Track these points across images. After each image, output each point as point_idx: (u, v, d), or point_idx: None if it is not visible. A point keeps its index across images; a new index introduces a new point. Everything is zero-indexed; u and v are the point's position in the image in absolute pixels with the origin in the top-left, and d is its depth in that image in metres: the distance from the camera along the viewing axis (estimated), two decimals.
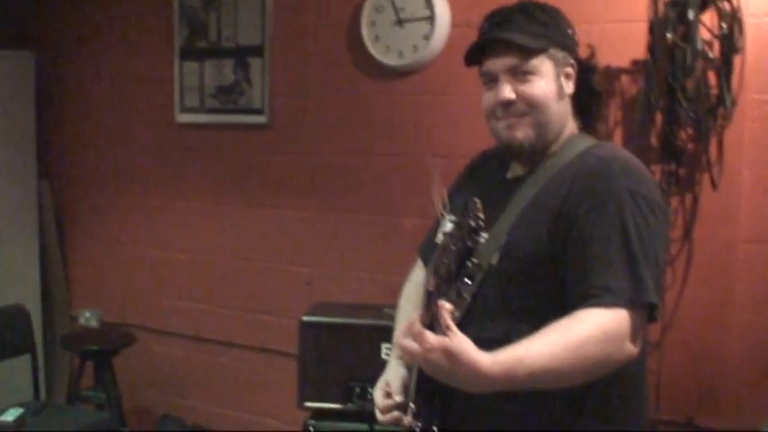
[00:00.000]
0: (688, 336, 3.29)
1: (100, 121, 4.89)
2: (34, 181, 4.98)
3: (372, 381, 2.16)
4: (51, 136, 5.07)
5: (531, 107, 1.96)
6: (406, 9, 3.76)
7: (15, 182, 4.87)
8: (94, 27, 4.84)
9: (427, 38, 3.71)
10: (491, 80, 2.00)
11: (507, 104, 1.97)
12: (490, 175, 2.16)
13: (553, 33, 1.98)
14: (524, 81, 1.95)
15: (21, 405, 3.99)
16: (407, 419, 1.97)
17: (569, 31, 2.03)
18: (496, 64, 1.98)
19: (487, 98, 2.01)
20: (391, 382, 2.09)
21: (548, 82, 1.96)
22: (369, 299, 3.85)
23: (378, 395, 2.10)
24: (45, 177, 5.04)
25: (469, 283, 1.70)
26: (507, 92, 1.96)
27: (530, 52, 1.94)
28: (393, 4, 3.79)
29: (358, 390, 3.40)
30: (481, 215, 1.61)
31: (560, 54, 1.98)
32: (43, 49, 5.00)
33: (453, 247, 1.67)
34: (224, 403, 4.57)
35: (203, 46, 4.41)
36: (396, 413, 2.02)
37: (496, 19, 2.01)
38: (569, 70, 2.01)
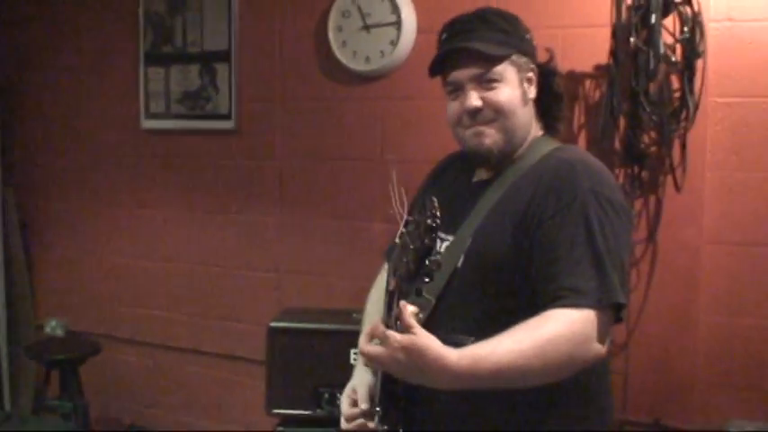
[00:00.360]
0: (653, 337, 3.32)
1: (65, 128, 4.84)
2: None
3: (341, 386, 2.17)
4: (15, 143, 5.02)
5: (497, 113, 1.99)
6: (373, 15, 3.77)
7: None
8: (59, 32, 4.80)
9: (394, 43, 3.72)
10: (456, 89, 2.02)
11: (474, 112, 1.99)
12: (456, 179, 2.18)
13: (514, 40, 2.01)
14: (490, 88, 1.98)
15: None
16: (372, 425, 1.98)
17: (528, 36, 2.06)
18: (462, 74, 2.00)
19: (453, 107, 2.04)
20: (357, 389, 2.09)
21: (512, 88, 1.99)
22: (337, 304, 3.84)
23: (344, 403, 2.10)
24: (9, 185, 4.99)
25: (428, 281, 1.72)
26: (474, 100, 1.99)
27: (493, 60, 1.97)
28: (360, 9, 3.80)
29: (327, 395, 3.40)
30: (438, 213, 1.62)
31: (522, 60, 2.01)
32: (6, 54, 4.96)
33: (411, 247, 1.67)
34: (192, 412, 4.55)
35: (169, 51, 4.39)
36: (360, 421, 2.03)
37: (457, 28, 2.04)
38: (531, 75, 2.04)
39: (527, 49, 2.04)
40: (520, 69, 2.01)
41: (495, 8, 2.12)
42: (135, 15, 4.46)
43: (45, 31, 4.85)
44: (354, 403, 2.06)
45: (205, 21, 4.26)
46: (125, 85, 4.56)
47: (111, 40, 4.62)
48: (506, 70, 1.99)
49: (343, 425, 2.06)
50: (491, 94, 1.98)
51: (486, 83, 1.98)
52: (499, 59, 1.97)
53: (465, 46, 1.98)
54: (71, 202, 4.87)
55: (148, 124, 4.52)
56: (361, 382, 2.11)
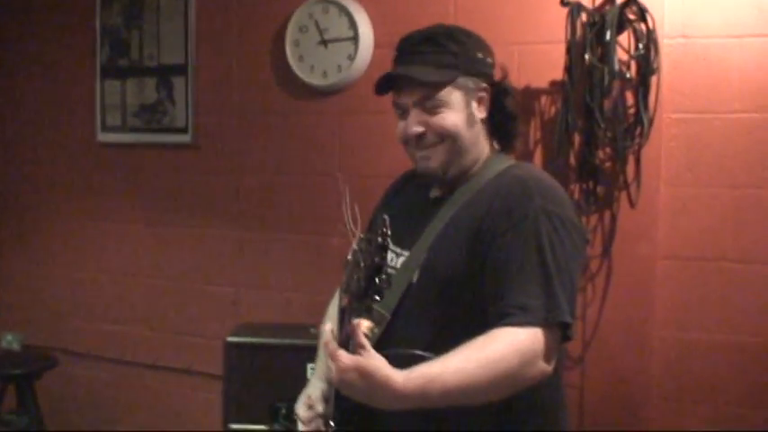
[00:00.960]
0: (609, 351, 3.34)
1: (20, 140, 4.80)
2: None
3: (298, 401, 2.17)
4: None
5: (441, 138, 2.00)
6: (330, 30, 3.78)
7: None
8: (14, 44, 4.77)
9: (351, 58, 3.73)
10: (403, 111, 2.03)
11: (418, 137, 2.00)
12: (414, 195, 2.19)
13: (462, 62, 2.00)
14: (434, 113, 1.99)
15: None
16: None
17: (480, 55, 2.05)
18: (405, 98, 2.02)
19: (400, 128, 2.05)
20: (312, 395, 2.11)
21: (457, 112, 1.99)
22: (295, 318, 3.84)
23: (300, 408, 2.12)
24: None
25: (379, 299, 1.73)
26: (415, 126, 2.00)
27: (437, 85, 1.98)
28: (317, 24, 3.80)
29: (284, 410, 3.38)
30: (388, 232, 1.63)
31: (470, 81, 2.01)
32: None
33: (362, 265, 1.69)
34: (149, 426, 4.50)
35: (125, 64, 4.37)
36: (317, 423, 2.04)
37: (405, 49, 2.04)
38: (481, 95, 2.04)
39: (477, 70, 2.03)
40: (467, 92, 2.01)
41: (447, 27, 2.09)
42: (91, 28, 4.44)
43: (2, 43, 4.81)
44: (310, 407, 2.08)
45: (162, 34, 4.24)
46: (81, 98, 4.53)
47: (67, 53, 4.58)
48: (451, 94, 1.99)
49: (301, 428, 2.08)
50: (434, 120, 1.99)
51: (430, 107, 1.99)
52: (442, 84, 1.98)
53: (406, 73, 1.99)
54: (27, 216, 4.82)
55: (105, 138, 4.49)
56: (315, 389, 2.13)
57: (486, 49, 2.08)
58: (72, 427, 4.70)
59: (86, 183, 4.61)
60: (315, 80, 3.86)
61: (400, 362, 1.72)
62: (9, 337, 4.57)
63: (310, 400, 2.10)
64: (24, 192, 4.83)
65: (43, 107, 4.70)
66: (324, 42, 3.81)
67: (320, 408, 2.06)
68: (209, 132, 4.21)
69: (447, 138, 1.99)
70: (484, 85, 2.04)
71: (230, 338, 3.53)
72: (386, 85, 2.04)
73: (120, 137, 4.44)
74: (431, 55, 1.99)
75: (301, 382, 2.33)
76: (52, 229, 4.75)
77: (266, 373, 3.45)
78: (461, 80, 1.99)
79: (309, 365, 3.21)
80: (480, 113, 2.04)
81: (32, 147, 4.76)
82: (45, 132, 4.71)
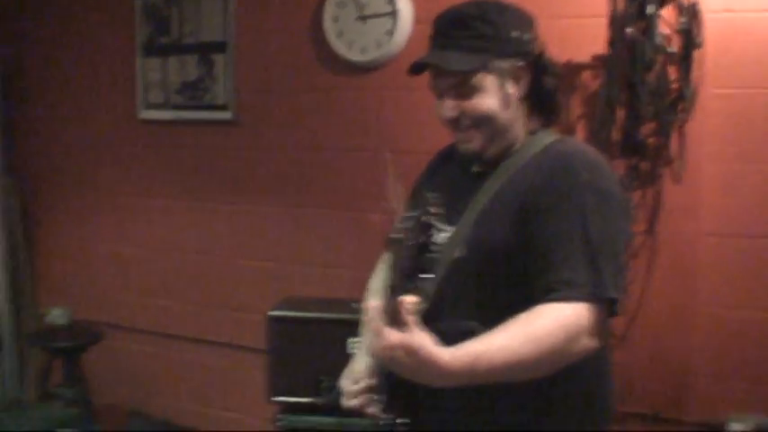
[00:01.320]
0: (654, 329, 3.32)
1: (64, 119, 4.86)
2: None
3: (340, 374, 2.17)
4: (17, 133, 5.03)
5: (477, 122, 1.98)
6: (369, 5, 3.77)
7: None
8: (57, 24, 4.81)
9: (390, 34, 3.72)
10: (438, 94, 2.03)
11: (454, 121, 2.00)
12: (456, 170, 2.17)
13: (494, 45, 1.95)
14: (467, 97, 1.97)
15: None
16: (374, 410, 2.00)
17: (515, 33, 1.98)
18: (439, 82, 2.00)
19: (437, 110, 2.04)
20: (359, 369, 2.11)
21: (490, 95, 1.97)
22: (337, 294, 3.85)
23: (345, 382, 2.11)
24: (10, 175, 5.00)
25: (426, 276, 1.73)
26: (448, 111, 1.99)
27: (468, 72, 1.95)
28: (355, 0, 3.81)
29: (327, 383, 3.41)
30: (434, 210, 1.63)
31: (504, 63, 1.96)
32: (5, 46, 4.95)
33: (409, 243, 1.69)
34: (193, 399, 4.57)
35: (166, 42, 4.39)
36: (365, 396, 2.03)
37: (438, 32, 2.01)
38: (518, 74, 1.99)
39: (511, 50, 1.97)
40: (501, 74, 1.96)
41: (480, 6, 1.99)
42: (131, 7, 4.48)
43: (44, 24, 4.86)
44: (356, 381, 2.08)
45: (201, 11, 4.26)
46: (123, 77, 4.57)
47: (108, 31, 4.62)
48: (483, 79, 1.95)
49: (346, 403, 2.07)
50: (467, 105, 1.97)
51: (463, 91, 1.97)
52: (472, 72, 1.95)
53: (434, 62, 1.98)
54: (72, 192, 4.89)
55: (147, 115, 4.53)
56: (361, 363, 2.12)
57: (524, 24, 2.01)
58: (117, 400, 4.78)
59: (130, 160, 4.66)
60: (354, 56, 3.85)
61: (449, 334, 1.72)
62: (56, 312, 4.64)
63: (356, 375, 2.10)
64: (70, 169, 4.89)
65: (86, 86, 4.75)
66: (363, 18, 3.80)
67: (366, 381, 2.07)
68: (249, 109, 4.23)
69: (482, 122, 1.97)
70: (520, 63, 1.98)
71: (272, 312, 3.57)
72: (420, 67, 2.03)
73: (161, 114, 4.48)
74: (462, 40, 1.95)
75: (343, 355, 2.34)
76: (97, 206, 4.82)
77: (308, 347, 3.49)
78: (494, 63, 1.95)
79: (351, 340, 3.22)
80: (518, 92, 2.00)
81: (76, 126, 4.82)
82: (88, 111, 4.76)
